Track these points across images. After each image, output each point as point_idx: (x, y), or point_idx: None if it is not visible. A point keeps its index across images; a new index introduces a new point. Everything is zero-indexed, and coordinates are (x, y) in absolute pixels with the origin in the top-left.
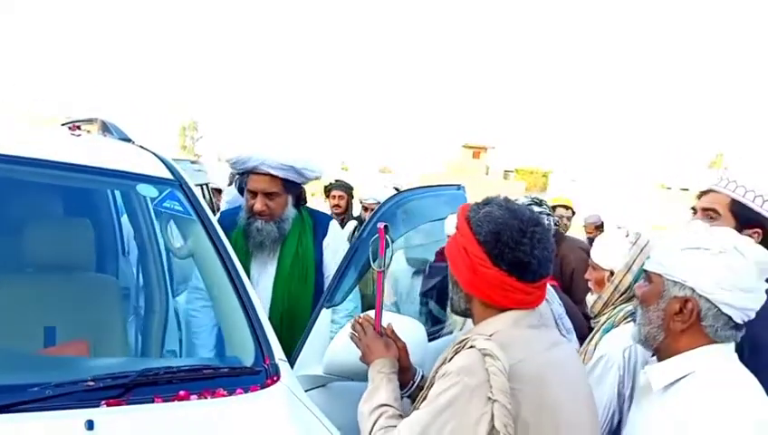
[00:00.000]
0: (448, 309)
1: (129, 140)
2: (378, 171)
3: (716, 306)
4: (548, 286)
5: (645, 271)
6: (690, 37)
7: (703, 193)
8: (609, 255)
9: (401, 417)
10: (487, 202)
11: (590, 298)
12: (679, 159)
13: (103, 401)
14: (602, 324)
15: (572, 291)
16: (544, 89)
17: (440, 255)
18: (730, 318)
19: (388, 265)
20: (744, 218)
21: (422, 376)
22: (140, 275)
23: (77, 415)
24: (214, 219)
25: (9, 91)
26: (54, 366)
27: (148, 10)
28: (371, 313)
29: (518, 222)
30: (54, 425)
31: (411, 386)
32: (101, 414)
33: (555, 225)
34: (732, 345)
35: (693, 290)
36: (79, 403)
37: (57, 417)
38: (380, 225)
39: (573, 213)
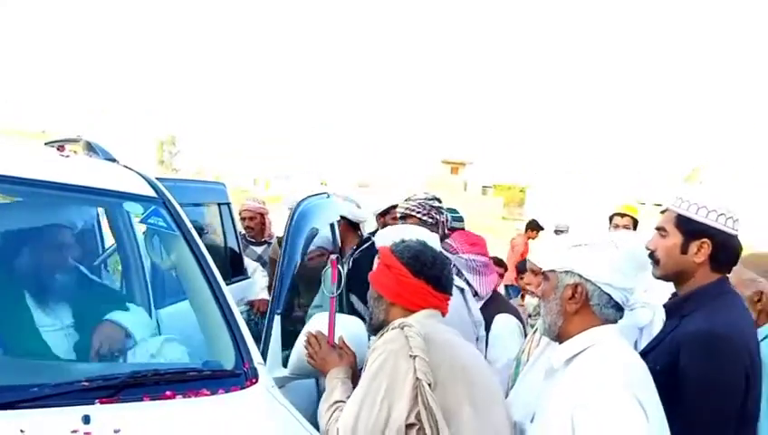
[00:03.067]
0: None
1: (113, 160)
2: (356, 186)
3: (599, 287)
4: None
5: (543, 273)
6: (667, 51)
7: (662, 212)
8: (548, 256)
9: None
10: (403, 240)
11: (531, 301)
12: (655, 174)
13: (97, 400)
14: None
15: None
16: (522, 105)
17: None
18: (611, 297)
19: (340, 290)
20: (688, 232)
21: None
22: (124, 287)
23: (74, 411)
24: (195, 234)
25: None
26: (52, 369)
27: (122, 23)
28: (322, 327)
29: (430, 250)
30: (55, 419)
31: None
32: (96, 410)
33: (449, 226)
34: (616, 327)
35: (580, 276)
36: (75, 401)
37: (57, 413)
38: (333, 257)
39: (636, 223)
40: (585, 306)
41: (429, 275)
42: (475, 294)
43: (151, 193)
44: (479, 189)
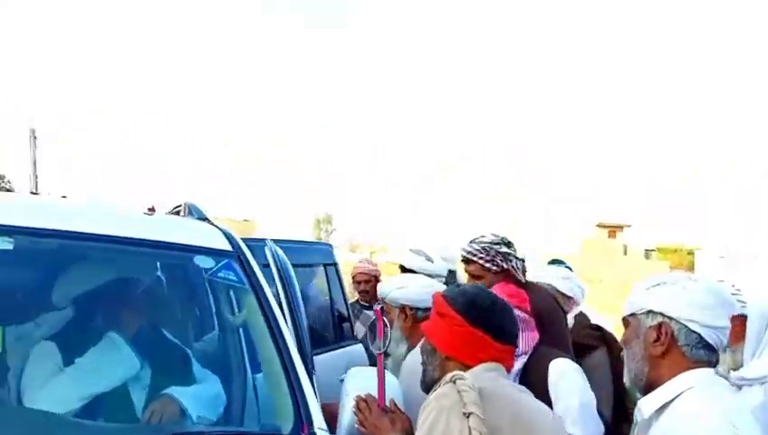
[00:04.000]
0: None
1: (205, 219)
2: None
3: (685, 325)
4: None
5: (623, 319)
6: None
7: None
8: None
9: None
10: (459, 285)
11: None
12: None
13: None
14: None
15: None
16: (685, 161)
17: None
18: (700, 337)
19: (388, 345)
20: None
21: None
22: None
23: None
24: (268, 290)
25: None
26: (96, 432)
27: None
28: (368, 386)
29: (488, 294)
30: None
31: None
32: None
33: (520, 268)
34: (711, 371)
35: (662, 314)
36: None
37: None
38: (377, 306)
39: None
40: (673, 348)
41: (488, 323)
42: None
43: (227, 247)
44: (641, 253)
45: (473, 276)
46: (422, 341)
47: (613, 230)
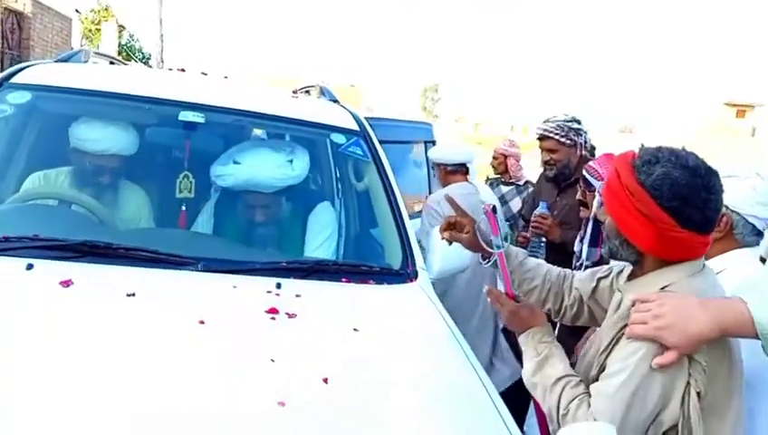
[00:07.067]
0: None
1: (336, 101)
2: (618, 131)
3: (744, 218)
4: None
5: None
6: None
7: None
8: None
9: (583, 383)
10: (656, 160)
11: None
12: None
13: (292, 276)
14: None
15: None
16: None
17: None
18: (754, 226)
19: (508, 243)
20: None
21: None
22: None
23: (272, 280)
24: (386, 163)
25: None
26: (269, 254)
27: None
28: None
29: (700, 179)
30: (259, 282)
31: None
32: (287, 281)
33: (588, 141)
34: (751, 250)
35: (726, 207)
36: (276, 274)
37: (262, 279)
38: (488, 207)
39: None
40: (729, 234)
41: (701, 220)
42: None
43: (355, 127)
44: None
45: (548, 151)
46: (607, 221)
47: (742, 110)
